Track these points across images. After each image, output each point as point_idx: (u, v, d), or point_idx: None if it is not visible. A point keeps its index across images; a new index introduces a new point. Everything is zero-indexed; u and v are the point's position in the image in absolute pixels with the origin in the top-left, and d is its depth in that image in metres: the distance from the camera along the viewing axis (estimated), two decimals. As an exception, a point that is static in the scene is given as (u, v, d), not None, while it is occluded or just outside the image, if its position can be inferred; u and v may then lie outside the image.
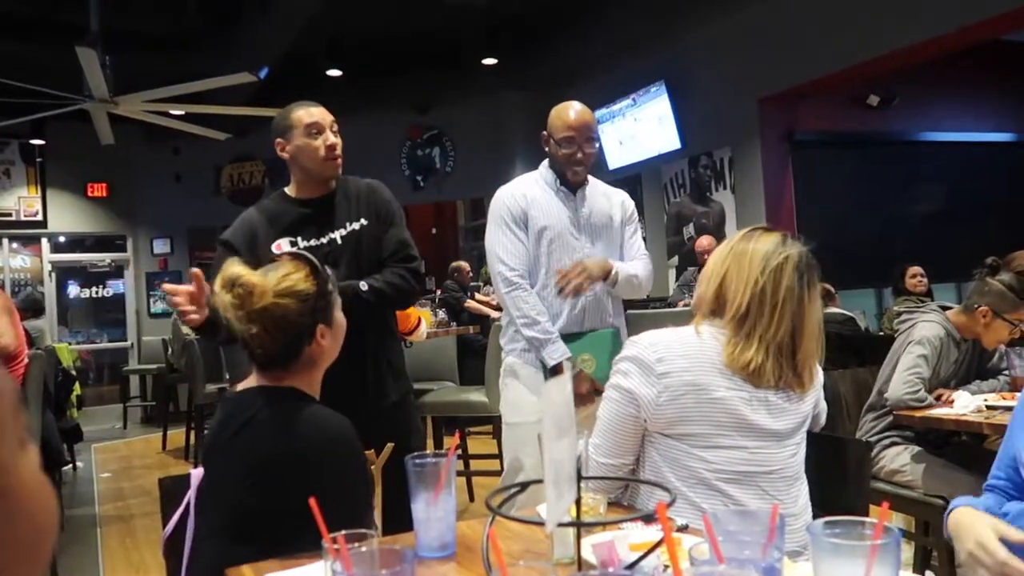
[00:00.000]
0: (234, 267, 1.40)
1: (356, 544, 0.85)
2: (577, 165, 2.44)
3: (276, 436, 1.38)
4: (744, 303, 1.43)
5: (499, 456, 3.95)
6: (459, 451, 4.68)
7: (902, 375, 2.56)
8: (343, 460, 1.38)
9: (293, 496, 1.31)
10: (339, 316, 1.54)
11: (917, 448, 2.64)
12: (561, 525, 0.83)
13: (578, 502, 0.85)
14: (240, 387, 1.49)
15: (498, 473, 3.61)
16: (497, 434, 5.19)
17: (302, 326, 1.43)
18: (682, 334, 1.47)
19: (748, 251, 1.46)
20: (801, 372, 1.44)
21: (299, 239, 2.18)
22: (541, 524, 0.83)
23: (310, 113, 2.19)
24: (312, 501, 0.92)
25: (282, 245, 2.16)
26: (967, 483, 2.47)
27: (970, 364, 2.76)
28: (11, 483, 0.43)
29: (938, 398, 2.56)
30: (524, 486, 1.06)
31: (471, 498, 4.47)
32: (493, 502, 0.90)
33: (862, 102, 6.86)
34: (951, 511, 1.37)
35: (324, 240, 2.20)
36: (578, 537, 0.87)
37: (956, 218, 7.11)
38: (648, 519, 0.97)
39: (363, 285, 2.12)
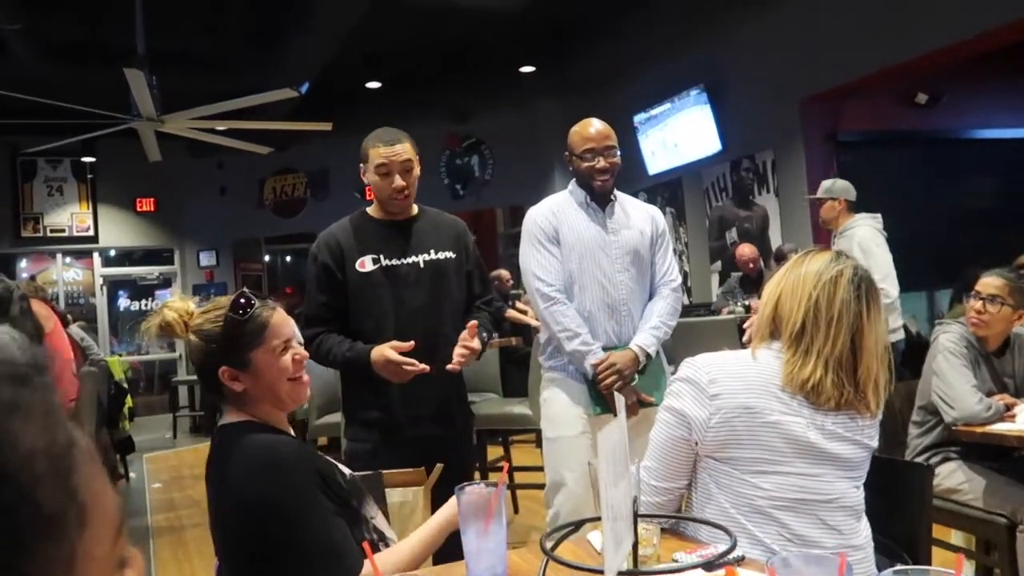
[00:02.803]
0: (172, 300, 1.50)
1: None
2: (602, 175, 2.47)
3: (221, 470, 1.40)
4: (799, 319, 1.40)
5: (543, 468, 3.94)
6: (502, 463, 4.69)
7: (966, 390, 2.47)
8: (276, 484, 1.34)
9: (243, 530, 1.36)
10: (265, 359, 1.43)
11: (973, 464, 2.56)
12: (621, 574, 0.81)
13: (636, 545, 0.83)
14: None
15: (542, 486, 3.60)
16: (540, 444, 5.18)
17: (207, 366, 1.44)
18: (739, 356, 1.45)
19: (801, 271, 1.44)
20: (864, 390, 1.39)
21: (381, 257, 2.25)
22: (600, 572, 0.81)
23: (380, 153, 2.25)
24: (365, 546, 0.91)
25: (365, 263, 2.25)
26: (1031, 500, 2.38)
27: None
28: None
29: (1008, 408, 2.48)
30: (578, 525, 1.05)
31: (516, 510, 4.45)
32: (546, 543, 0.88)
33: (909, 100, 6.70)
34: None
35: (406, 261, 2.27)
36: (636, 582, 0.85)
37: (1009, 217, 6.88)
38: (710, 567, 0.95)
39: (486, 336, 2.31)
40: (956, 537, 2.78)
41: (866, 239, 4.23)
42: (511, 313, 7.40)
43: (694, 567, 0.92)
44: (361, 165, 2.31)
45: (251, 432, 1.43)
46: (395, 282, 2.23)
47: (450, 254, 2.32)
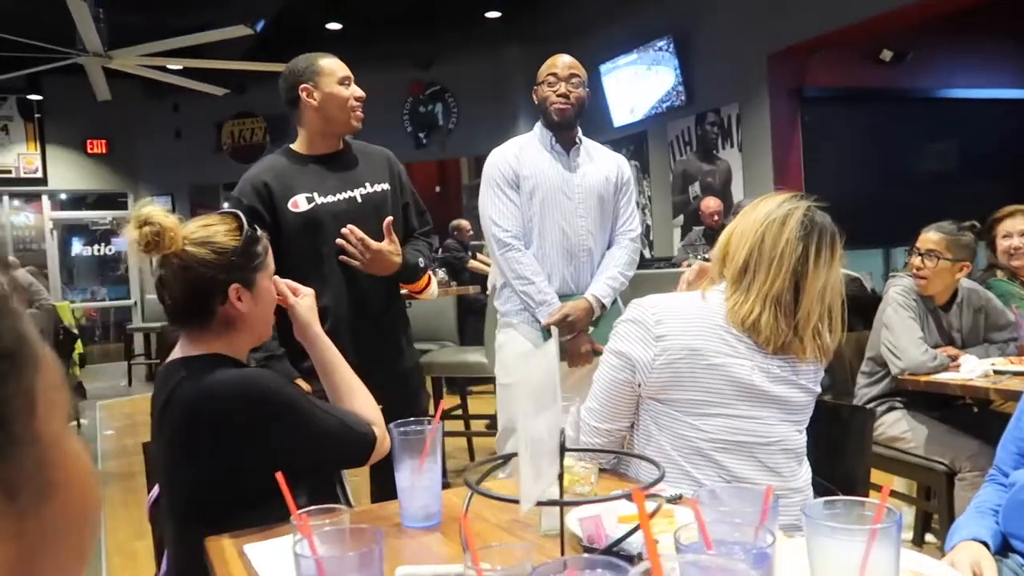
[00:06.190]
0: (150, 208, 1.32)
1: (324, 521, 0.81)
2: (561, 99, 2.39)
3: (195, 403, 1.28)
4: (743, 256, 1.38)
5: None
6: (459, 411, 4.67)
7: (913, 341, 2.50)
8: (260, 413, 1.27)
9: (222, 462, 1.27)
10: (266, 284, 1.40)
11: (916, 413, 2.60)
12: (541, 503, 0.78)
13: (561, 476, 0.80)
14: (171, 357, 1.38)
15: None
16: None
17: (213, 281, 1.31)
18: (686, 298, 1.43)
19: (755, 210, 1.42)
20: (802, 334, 1.38)
21: (316, 195, 2.12)
22: (517, 503, 0.78)
23: (341, 66, 2.17)
24: (279, 476, 0.87)
25: (299, 202, 2.10)
26: (970, 448, 2.44)
27: (974, 327, 2.72)
28: (62, 461, 0.40)
29: (953, 359, 2.52)
30: (506, 459, 1.02)
31: (471, 458, 4.47)
32: (471, 477, 0.85)
33: (874, 57, 6.68)
34: (953, 544, 1.31)
35: (343, 196, 2.14)
36: (561, 514, 0.82)
37: (969, 177, 6.96)
38: (631, 498, 0.92)
39: (421, 262, 2.21)
40: (899, 483, 2.84)
41: None
42: (473, 264, 7.36)
43: (616, 498, 0.90)
44: (304, 86, 2.12)
45: (222, 366, 1.32)
46: (334, 220, 2.09)
47: (385, 186, 2.21)
